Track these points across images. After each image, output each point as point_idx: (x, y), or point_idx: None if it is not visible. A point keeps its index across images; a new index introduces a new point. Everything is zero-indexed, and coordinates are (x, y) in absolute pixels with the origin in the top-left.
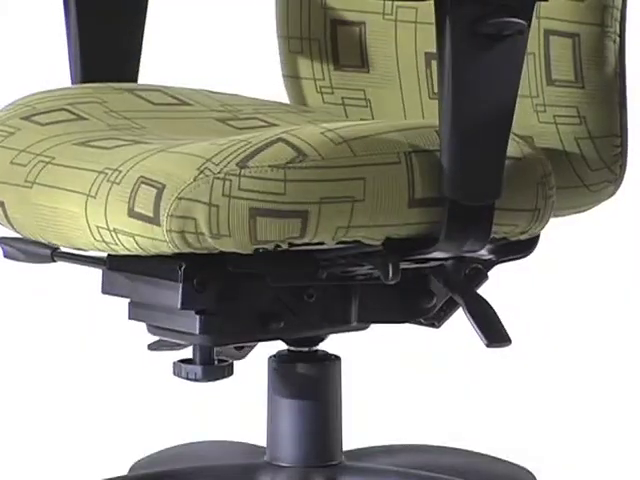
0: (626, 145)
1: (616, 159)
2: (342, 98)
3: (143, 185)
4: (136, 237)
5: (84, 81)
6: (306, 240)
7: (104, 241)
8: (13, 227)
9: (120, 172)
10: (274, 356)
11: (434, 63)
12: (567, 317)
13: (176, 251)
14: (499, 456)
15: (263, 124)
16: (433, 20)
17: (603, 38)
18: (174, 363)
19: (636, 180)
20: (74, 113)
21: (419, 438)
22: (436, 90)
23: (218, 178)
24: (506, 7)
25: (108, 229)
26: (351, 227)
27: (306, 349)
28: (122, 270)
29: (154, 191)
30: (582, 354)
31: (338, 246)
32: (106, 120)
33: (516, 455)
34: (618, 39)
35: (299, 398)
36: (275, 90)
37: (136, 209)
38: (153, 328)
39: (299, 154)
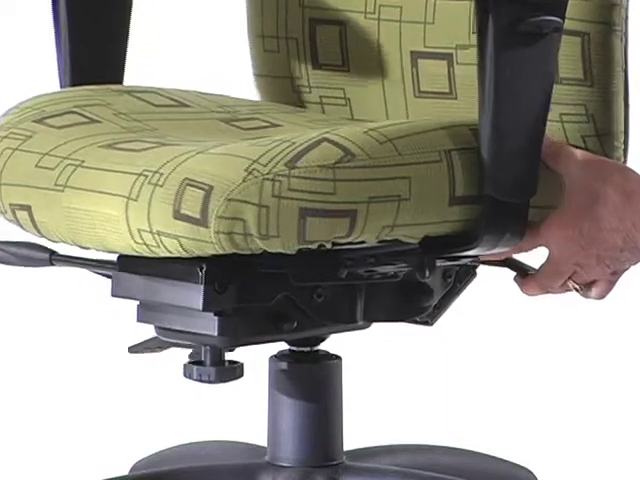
0: (628, 142)
1: (619, 156)
2: (320, 97)
3: (189, 187)
4: (181, 239)
5: (73, 84)
6: (350, 239)
7: (145, 244)
8: (38, 231)
9: (162, 174)
10: (275, 356)
11: (420, 62)
12: (567, 316)
13: (221, 252)
14: (499, 456)
15: (266, 124)
16: (419, 19)
17: (611, 36)
18: (184, 365)
19: None
20: (85, 116)
21: (420, 438)
22: (422, 88)
23: (267, 179)
24: (543, 5)
25: (150, 232)
26: (395, 226)
27: (307, 349)
28: (135, 272)
29: (201, 193)
30: (582, 354)
31: (375, 245)
32: (118, 122)
33: (516, 455)
34: (624, 37)
35: (300, 398)
36: (236, 88)
37: (182, 211)
38: (163, 330)
39: (347, 153)
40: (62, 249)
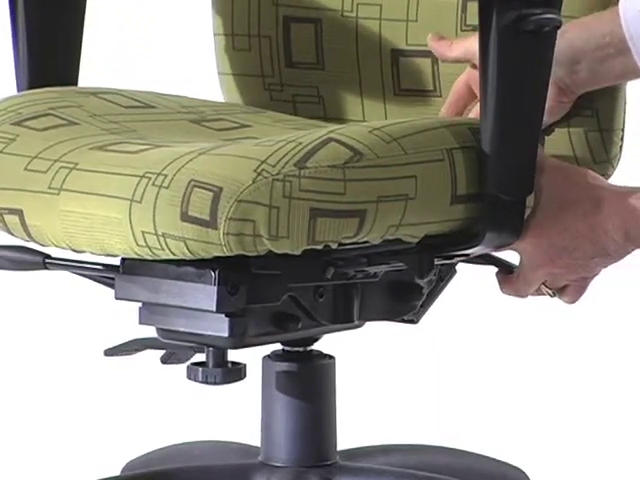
0: (624, 139)
1: (616, 153)
2: (292, 95)
3: (196, 189)
4: (188, 241)
5: (31, 86)
6: (357, 239)
7: (148, 246)
8: (29, 235)
9: (166, 176)
10: (268, 356)
11: (402, 60)
12: (565, 317)
13: (227, 254)
14: (492, 456)
15: (236, 125)
16: (400, 17)
17: None
18: (188, 367)
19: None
20: (63, 118)
21: (413, 438)
22: (403, 87)
23: (277, 180)
24: (544, 3)
25: (155, 234)
26: (401, 225)
27: (301, 349)
28: (140, 275)
29: (210, 194)
30: (580, 354)
31: (371, 244)
32: (96, 124)
33: (509, 455)
34: None
35: (293, 398)
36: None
37: (190, 213)
38: (165, 332)
39: (355, 153)
40: (55, 253)
